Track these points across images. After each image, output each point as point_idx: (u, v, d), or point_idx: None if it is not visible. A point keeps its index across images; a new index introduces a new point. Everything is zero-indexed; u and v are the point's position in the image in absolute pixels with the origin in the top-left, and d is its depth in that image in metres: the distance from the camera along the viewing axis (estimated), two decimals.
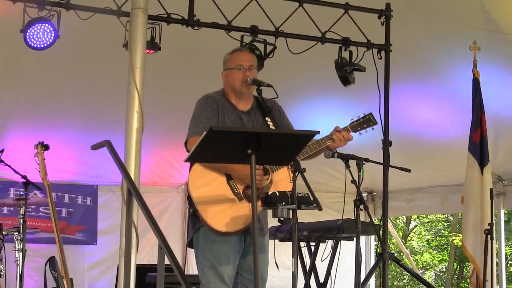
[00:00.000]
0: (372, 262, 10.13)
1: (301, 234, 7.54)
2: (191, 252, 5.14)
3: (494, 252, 6.94)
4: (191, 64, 7.38)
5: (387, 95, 6.67)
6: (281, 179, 4.93)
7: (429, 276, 22.48)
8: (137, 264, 4.90)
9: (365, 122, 5.23)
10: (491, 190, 6.96)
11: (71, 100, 8.33)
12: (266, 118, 5.11)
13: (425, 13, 7.10)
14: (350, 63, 6.89)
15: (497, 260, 7.91)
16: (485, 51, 7.11)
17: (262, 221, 5.04)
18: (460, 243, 16.46)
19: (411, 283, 22.35)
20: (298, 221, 4.71)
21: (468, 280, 8.19)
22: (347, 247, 7.72)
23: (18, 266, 7.58)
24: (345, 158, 5.55)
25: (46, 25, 6.07)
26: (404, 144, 7.27)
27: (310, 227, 7.69)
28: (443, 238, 23.44)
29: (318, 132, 4.89)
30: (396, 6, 6.88)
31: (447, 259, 22.88)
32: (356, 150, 5.79)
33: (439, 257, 23.57)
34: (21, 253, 7.60)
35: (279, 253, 5.28)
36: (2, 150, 7.72)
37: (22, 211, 7.66)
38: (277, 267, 5.11)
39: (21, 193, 7.74)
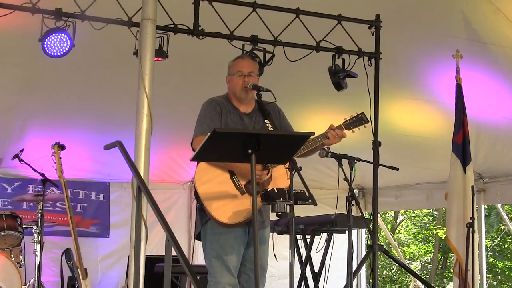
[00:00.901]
0: (363, 253, 10.14)
1: (297, 227, 7.54)
2: (197, 244, 5.15)
3: (476, 244, 6.94)
4: (196, 70, 7.38)
5: (377, 99, 6.68)
6: (279, 175, 4.94)
7: (415, 266, 22.47)
8: (146, 255, 4.90)
9: (358, 120, 5.23)
10: (472, 187, 6.97)
11: (85, 103, 8.34)
12: (266, 121, 5.11)
13: (412, 24, 7.10)
14: (342, 70, 6.90)
15: (478, 251, 7.90)
16: (467, 58, 7.11)
17: (264, 215, 5.05)
18: (444, 236, 16.49)
19: (398, 272, 22.34)
20: (295, 216, 4.73)
21: (452, 270, 8.20)
22: (340, 240, 7.72)
23: (36, 257, 7.59)
24: (338, 157, 5.55)
25: (63, 34, 6.07)
26: (393, 145, 7.27)
27: (306, 221, 7.69)
28: (428, 231, 23.44)
29: (313, 134, 4.93)
30: (385, 17, 6.89)
31: (432, 250, 22.88)
32: (348, 150, 5.80)
33: (424, 248, 23.57)
34: (39, 245, 7.61)
35: (277, 245, 5.28)
36: (22, 150, 7.72)
37: (40, 206, 7.67)
38: (275, 258, 5.12)
39: (39, 189, 7.75)
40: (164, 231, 3.92)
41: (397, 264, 18.03)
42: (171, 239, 3.74)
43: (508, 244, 21.05)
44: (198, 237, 5.09)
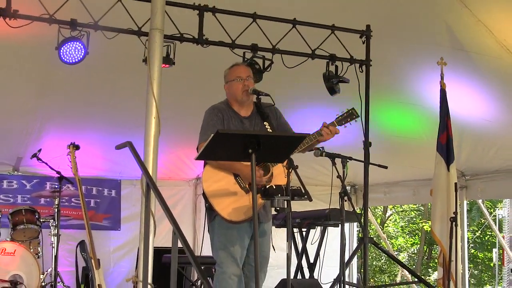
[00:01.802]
0: (355, 245, 10.11)
1: (294, 221, 7.53)
2: (201, 237, 5.15)
3: (458, 236, 6.93)
4: (200, 76, 7.37)
5: (368, 103, 6.68)
6: (279, 173, 4.95)
7: (403, 257, 22.50)
8: (154, 247, 4.89)
9: (349, 116, 5.20)
10: (455, 184, 6.96)
11: (98, 107, 8.32)
12: (265, 123, 5.11)
13: (400, 33, 7.10)
14: (336, 76, 6.91)
15: (461, 243, 7.89)
16: (451, 65, 7.11)
17: (267, 209, 5.06)
18: (429, 229, 16.47)
19: (387, 263, 22.36)
20: (292, 210, 4.73)
21: (436, 260, 8.17)
22: (333, 233, 7.71)
23: (53, 249, 7.60)
24: (332, 156, 5.55)
25: (77, 43, 6.07)
26: (382, 145, 7.27)
27: (302, 215, 7.69)
28: (414, 225, 23.47)
29: (308, 135, 4.97)
30: (375, 27, 6.90)
31: (418, 242, 22.90)
32: (341, 149, 5.79)
33: (411, 241, 23.59)
34: (55, 237, 7.62)
35: (276, 237, 5.26)
36: (40, 150, 7.72)
37: (56, 202, 7.67)
38: (274, 249, 5.10)
39: (56, 186, 7.74)
40: (171, 224, 3.90)
41: (386, 255, 18.03)
42: (177, 232, 3.73)
43: (488, 236, 21.06)
44: (208, 230, 5.12)
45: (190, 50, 6.56)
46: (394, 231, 23.85)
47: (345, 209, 5.78)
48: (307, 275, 7.69)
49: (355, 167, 6.27)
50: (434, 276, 19.64)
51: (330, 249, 7.29)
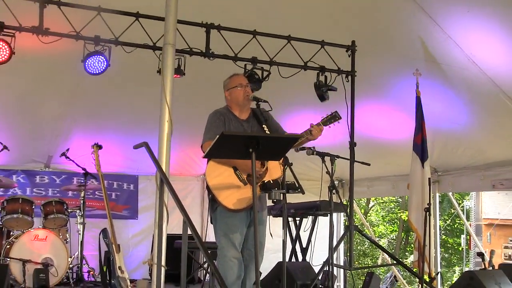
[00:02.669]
0: (342, 232, 10.09)
1: (289, 211, 7.53)
2: (209, 225, 5.15)
3: (431, 225, 6.92)
4: (207, 85, 7.34)
5: (353, 108, 6.67)
6: (273, 167, 4.95)
7: (383, 242, 22.49)
8: (167, 234, 4.87)
9: (333, 117, 5.20)
10: (429, 179, 6.96)
11: (118, 112, 8.33)
12: (263, 126, 5.11)
13: (381, 48, 7.09)
14: (325, 85, 6.92)
15: (433, 230, 7.87)
16: (425, 76, 7.11)
17: (262, 200, 5.05)
18: (406, 218, 16.48)
19: (370, 247, 22.34)
20: (287, 202, 4.72)
21: (412, 245, 8.16)
22: (323, 221, 7.67)
23: (79, 235, 7.60)
24: (322, 155, 5.55)
25: (100, 56, 6.07)
26: (366, 145, 7.24)
27: (296, 206, 7.67)
28: (393, 214, 23.47)
29: (301, 136, 4.97)
30: (359, 42, 6.90)
31: (397, 230, 22.90)
32: (330, 149, 5.78)
33: (390, 228, 23.59)
34: (81, 225, 7.61)
35: (273, 226, 5.24)
36: (68, 149, 7.72)
37: (82, 194, 7.67)
38: (271, 236, 5.09)
39: (82, 181, 7.74)
40: (181, 214, 3.89)
41: (369, 241, 18.02)
42: (187, 221, 3.71)
43: (457, 224, 21.06)
44: (211, 221, 5.11)
45: (198, 62, 6.56)
46: (375, 219, 23.85)
47: (333, 201, 5.79)
48: (300, 258, 7.68)
49: (342, 164, 6.26)
50: (410, 259, 19.62)
51: (320, 235, 7.28)
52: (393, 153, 8.68)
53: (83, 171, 7.63)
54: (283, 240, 4.62)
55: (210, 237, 5.43)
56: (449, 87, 7.34)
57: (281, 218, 4.68)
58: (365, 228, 13.59)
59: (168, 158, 5.12)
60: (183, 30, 5.95)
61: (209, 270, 3.82)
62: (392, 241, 23.30)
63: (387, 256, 11.78)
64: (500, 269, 5.58)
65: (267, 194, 4.84)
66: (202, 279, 7.87)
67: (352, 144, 6.67)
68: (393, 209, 23.57)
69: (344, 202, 6.79)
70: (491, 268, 6.51)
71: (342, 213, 10.08)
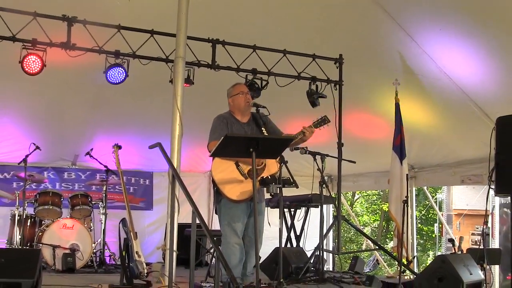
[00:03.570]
0: (331, 221, 10.07)
1: (285, 203, 7.48)
2: (215, 216, 5.14)
3: (409, 215, 6.90)
4: (213, 93, 7.31)
5: (340, 113, 6.66)
6: (271, 163, 4.95)
7: (367, 230, 22.46)
8: (178, 223, 4.86)
9: (322, 121, 5.22)
10: (407, 175, 6.98)
11: (136, 116, 8.31)
12: (262, 128, 5.11)
13: (365, 61, 7.09)
14: (316, 93, 6.92)
15: (410, 220, 7.86)
16: (403, 85, 7.11)
17: (261, 193, 5.04)
18: (387, 209, 16.46)
19: (355, 235, 22.30)
20: (283, 195, 4.71)
21: (392, 232, 8.13)
22: (314, 212, 7.64)
23: (102, 224, 7.58)
24: (313, 154, 5.54)
25: (120, 68, 6.07)
26: (351, 145, 7.22)
27: (290, 199, 7.64)
28: (376, 206, 23.44)
29: (296, 137, 4.95)
30: (346, 56, 6.90)
31: (379, 219, 22.87)
32: (320, 148, 5.77)
33: (373, 218, 23.56)
34: (103, 216, 7.59)
35: (270, 216, 5.24)
36: (91, 149, 7.70)
37: (104, 189, 7.65)
38: (269, 225, 5.08)
39: (104, 177, 7.71)
40: (191, 206, 3.87)
41: (354, 229, 18.00)
42: (196, 212, 3.70)
43: (431, 214, 21.03)
44: (216, 211, 5.10)
45: (205, 73, 6.56)
46: (360, 210, 23.82)
47: (323, 194, 5.77)
48: (294, 244, 7.65)
49: (331, 162, 6.25)
50: (390, 245, 19.59)
51: (312, 224, 7.26)
52: (375, 153, 8.66)
53: (105, 168, 7.61)
54: (279, 228, 4.61)
55: (215, 226, 5.41)
56: (424, 95, 7.33)
57: (278, 209, 4.66)
58: (351, 217, 13.58)
59: (179, 156, 5.12)
60: (192, 45, 5.94)
61: (214, 254, 3.81)
62: (375, 229, 23.28)
63: (370, 242, 11.76)
64: (468, 253, 5.57)
65: (265, 188, 4.82)
66: (208, 262, 7.85)
67: (340, 145, 6.65)
68: (375, 201, 23.55)
69: (333, 195, 6.75)
70: (460, 252, 6.50)
71: (331, 205, 10.05)
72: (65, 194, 7.87)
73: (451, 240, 6.65)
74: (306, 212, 7.57)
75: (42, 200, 7.28)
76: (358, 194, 23.50)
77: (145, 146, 5.17)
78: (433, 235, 20.68)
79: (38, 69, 5.77)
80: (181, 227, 5.22)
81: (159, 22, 6.07)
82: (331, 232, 9.63)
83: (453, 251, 6.74)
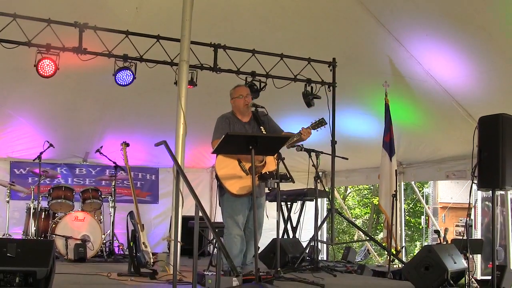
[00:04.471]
0: (325, 214, 10.08)
1: (282, 197, 7.52)
2: (215, 208, 5.15)
3: (398, 207, 6.91)
4: (215, 94, 7.33)
5: (334, 113, 6.66)
6: (270, 161, 4.96)
7: (358, 222, 22.42)
8: (182, 216, 4.87)
9: (320, 123, 5.23)
10: (396, 170, 6.96)
11: (142, 116, 8.31)
12: (261, 127, 5.11)
13: (356, 64, 7.09)
14: (311, 94, 6.91)
15: (399, 212, 7.87)
16: (392, 87, 7.11)
17: (261, 188, 5.04)
18: (377, 203, 16.45)
19: (348, 226, 22.28)
20: (280, 189, 4.71)
21: (382, 224, 8.13)
22: (309, 205, 7.67)
23: (111, 216, 7.58)
24: (309, 151, 5.54)
25: (128, 71, 6.07)
26: (344, 143, 7.23)
27: (287, 193, 7.66)
28: (367, 199, 23.42)
29: (291, 136, 5.00)
30: (339, 59, 6.90)
31: (370, 212, 22.85)
32: (315, 146, 5.77)
33: (364, 211, 23.53)
34: (113, 209, 7.59)
35: (268, 209, 5.25)
36: (101, 147, 7.70)
37: (113, 183, 7.66)
38: (267, 217, 5.09)
39: (113, 172, 7.72)
40: (194, 200, 3.87)
41: (346, 221, 17.99)
42: (198, 205, 3.70)
43: (418, 207, 21.02)
44: (219, 204, 5.11)
45: (208, 76, 6.56)
46: (352, 204, 23.79)
47: (318, 189, 5.77)
48: (291, 235, 7.67)
49: (325, 158, 6.26)
50: (380, 236, 19.60)
51: (307, 217, 7.26)
52: (367, 150, 8.67)
53: (114, 165, 7.61)
54: (277, 220, 4.61)
55: (217, 218, 5.43)
56: (412, 96, 7.33)
57: (275, 202, 4.67)
58: (343, 210, 13.59)
59: (183, 153, 5.12)
60: (195, 49, 5.94)
61: (216, 245, 3.81)
62: (366, 221, 23.26)
63: (361, 233, 11.78)
64: (452, 243, 5.57)
65: (264, 183, 4.82)
66: (210, 252, 7.86)
67: (333, 142, 6.65)
68: (367, 195, 23.53)
69: (327, 190, 6.76)
70: (445, 243, 6.51)
71: (325, 199, 10.06)
72: (76, 188, 7.87)
73: (437, 231, 6.65)
74: (302, 205, 7.58)
75: (55, 194, 7.29)
76: (350, 188, 23.48)
77: (151, 144, 5.16)
78: (420, 227, 20.67)
79: (51, 72, 5.78)
80: (185, 219, 5.22)
81: (164, 28, 6.06)
82: (325, 224, 9.66)
83: (439, 241, 6.75)
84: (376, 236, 19.87)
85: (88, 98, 7.79)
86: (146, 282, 4.68)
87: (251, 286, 3.96)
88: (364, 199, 23.66)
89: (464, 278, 4.64)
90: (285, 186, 5.70)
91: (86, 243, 6.71)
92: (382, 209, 7.28)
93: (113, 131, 8.44)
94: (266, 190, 5.09)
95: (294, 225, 7.71)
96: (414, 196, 19.26)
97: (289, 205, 7.86)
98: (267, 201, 5.36)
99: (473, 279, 4.92)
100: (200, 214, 3.76)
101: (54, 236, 6.69)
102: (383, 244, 7.24)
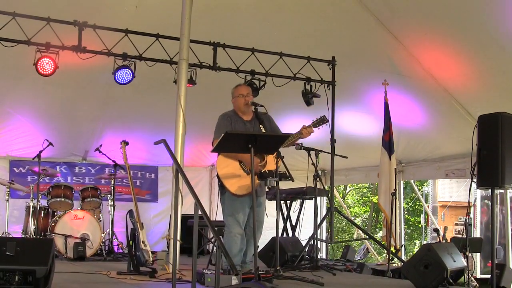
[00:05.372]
0: (324, 212, 10.07)
1: (281, 196, 7.51)
2: (216, 207, 5.15)
3: (397, 206, 6.91)
4: (214, 93, 7.33)
5: (333, 112, 6.66)
6: (270, 160, 4.95)
7: (358, 221, 22.46)
8: (182, 214, 4.86)
9: (321, 121, 5.20)
10: (395, 169, 6.96)
11: (142, 114, 8.30)
12: (260, 126, 5.10)
13: (356, 63, 7.09)
14: (310, 92, 6.91)
15: (398, 211, 7.87)
16: (392, 85, 7.10)
17: (262, 187, 5.03)
18: (376, 201, 16.46)
19: (347, 225, 22.31)
20: (280, 188, 4.71)
21: (381, 223, 8.13)
22: (309, 204, 7.66)
23: (110, 215, 7.58)
24: (308, 149, 5.55)
25: (127, 69, 6.07)
26: (344, 141, 7.23)
27: (287, 191, 7.66)
28: (366, 198, 23.43)
29: (291, 135, 4.96)
30: (338, 58, 6.90)
31: (369, 210, 22.87)
32: (315, 144, 5.78)
33: (364, 209, 23.56)
34: (112, 207, 7.59)
35: (268, 207, 5.24)
36: (101, 145, 7.70)
37: (112, 182, 7.65)
38: (267, 216, 5.09)
39: (112, 171, 7.71)
40: (193, 198, 3.87)
41: (346, 220, 17.99)
42: (198, 204, 3.69)
43: (417, 206, 21.03)
44: (221, 202, 5.11)
45: (207, 74, 6.56)
46: (351, 202, 23.80)
47: (317, 187, 5.77)
48: (290, 234, 7.67)
49: (324, 157, 6.26)
50: (380, 234, 19.62)
51: (306, 215, 7.26)
52: (366, 148, 8.67)
53: (113, 163, 7.60)
54: (276, 219, 4.61)
55: (217, 217, 5.43)
56: (411, 94, 7.34)
57: (275, 201, 4.67)
58: (343, 209, 13.58)
59: (182, 152, 5.12)
60: (194, 48, 5.93)
61: (215, 243, 3.81)
62: (365, 219, 23.28)
63: (361, 232, 11.78)
64: (451, 242, 5.58)
65: (264, 182, 4.82)
66: (210, 251, 7.86)
67: (333, 141, 6.66)
68: (366, 194, 23.54)
69: (326, 188, 6.76)
70: (444, 241, 6.51)
71: (324, 197, 10.06)
72: (76, 187, 7.86)
73: (436, 230, 6.64)
74: (301, 204, 7.58)
75: (55, 193, 7.28)
76: (349, 187, 23.50)
77: (150, 143, 5.16)
78: (420, 225, 20.68)
79: (51, 70, 5.78)
80: (185, 218, 5.22)
81: (164, 27, 6.06)
82: (324, 223, 9.66)
83: (438, 240, 6.75)
84: (375, 235, 19.88)
85: (87, 97, 7.79)
86: (145, 280, 4.68)
87: (250, 285, 3.96)
88: (363, 198, 23.68)
89: (463, 276, 4.64)
90: (284, 185, 5.71)
91: (86, 241, 6.71)
92: (382, 208, 7.28)
93: (113, 130, 8.44)
94: (265, 189, 5.08)
95: (294, 223, 7.71)
96: (414, 195, 19.27)
97: (288, 204, 7.86)
98: (266, 200, 5.36)
99: (472, 278, 4.93)
100: (200, 212, 3.76)
101: (53, 234, 6.68)
102: (383, 243, 7.24)
